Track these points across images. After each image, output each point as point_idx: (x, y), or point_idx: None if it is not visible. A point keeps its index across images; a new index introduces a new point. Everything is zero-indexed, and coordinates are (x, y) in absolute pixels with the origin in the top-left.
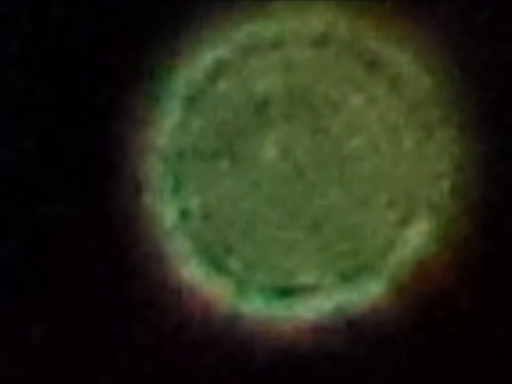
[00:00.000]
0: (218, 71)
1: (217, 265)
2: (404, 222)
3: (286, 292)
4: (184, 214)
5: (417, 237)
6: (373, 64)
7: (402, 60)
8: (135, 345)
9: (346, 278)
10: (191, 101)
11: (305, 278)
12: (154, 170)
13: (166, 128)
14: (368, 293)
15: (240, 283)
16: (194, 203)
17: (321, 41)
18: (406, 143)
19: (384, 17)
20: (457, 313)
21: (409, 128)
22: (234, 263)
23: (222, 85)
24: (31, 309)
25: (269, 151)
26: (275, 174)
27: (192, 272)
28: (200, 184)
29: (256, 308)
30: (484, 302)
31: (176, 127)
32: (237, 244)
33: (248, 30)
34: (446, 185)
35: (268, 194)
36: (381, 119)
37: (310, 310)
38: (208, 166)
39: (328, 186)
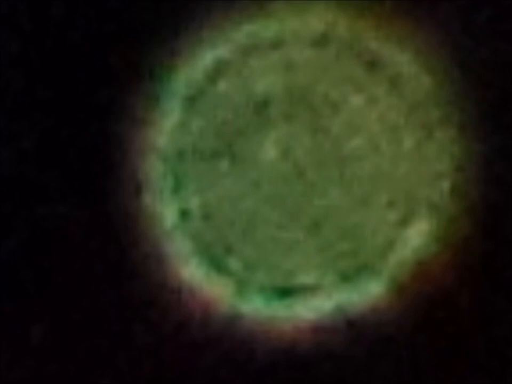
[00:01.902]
0: (218, 71)
1: (217, 265)
2: (404, 222)
3: (286, 292)
4: (184, 214)
5: (417, 237)
6: (373, 64)
7: (402, 59)
8: (135, 345)
9: (346, 278)
10: (191, 101)
11: (305, 278)
12: (154, 170)
13: (166, 128)
14: (368, 293)
15: (240, 283)
16: (194, 203)
17: (321, 41)
18: (406, 143)
19: (384, 17)
20: (457, 313)
21: (409, 128)
22: (234, 263)
23: (222, 85)
24: (31, 309)
25: (269, 151)
26: (275, 174)
27: (192, 272)
28: (200, 184)
29: (256, 308)
30: (483, 302)
31: (176, 127)
32: (237, 244)
33: (248, 30)
34: (446, 185)
35: (267, 194)
36: (381, 119)
37: (310, 310)
38: (208, 166)
39: (328, 186)
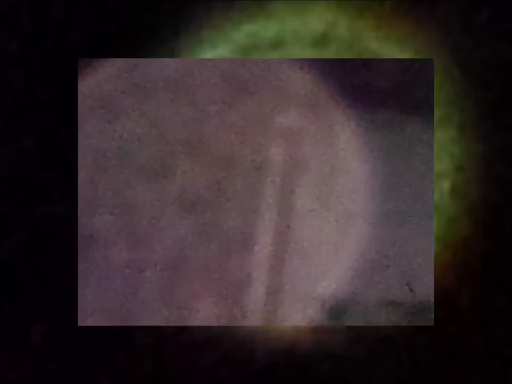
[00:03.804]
0: None
1: None
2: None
3: None
4: None
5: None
6: None
7: None
8: (135, 345)
9: None
10: None
11: None
12: None
13: None
14: None
15: None
16: None
17: (321, 41)
18: None
19: (384, 17)
20: (457, 313)
21: None
22: None
23: None
24: (31, 309)
25: None
26: None
27: None
28: None
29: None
30: (484, 302)
31: None
32: None
33: (248, 30)
34: (446, 185)
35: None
36: None
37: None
38: None
39: None
